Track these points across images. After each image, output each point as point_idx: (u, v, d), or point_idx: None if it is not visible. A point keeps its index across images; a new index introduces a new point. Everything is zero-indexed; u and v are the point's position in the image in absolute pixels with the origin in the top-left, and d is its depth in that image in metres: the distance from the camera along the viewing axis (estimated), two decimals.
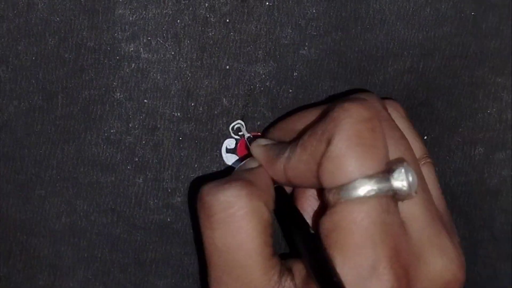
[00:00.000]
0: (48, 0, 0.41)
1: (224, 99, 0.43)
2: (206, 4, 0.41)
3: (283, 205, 0.38)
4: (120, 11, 0.41)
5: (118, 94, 0.42)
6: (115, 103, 0.42)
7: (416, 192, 0.35)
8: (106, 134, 0.43)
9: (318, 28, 0.42)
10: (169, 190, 0.44)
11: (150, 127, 0.43)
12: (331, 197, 0.34)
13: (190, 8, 0.41)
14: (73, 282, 0.45)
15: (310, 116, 0.38)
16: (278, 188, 0.38)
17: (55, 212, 0.44)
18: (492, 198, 0.46)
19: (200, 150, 0.43)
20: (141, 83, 0.42)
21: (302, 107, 0.42)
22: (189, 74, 0.42)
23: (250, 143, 0.42)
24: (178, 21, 0.41)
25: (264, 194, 0.36)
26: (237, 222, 0.35)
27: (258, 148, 0.39)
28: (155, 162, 0.43)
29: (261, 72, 0.42)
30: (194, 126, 0.43)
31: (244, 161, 0.40)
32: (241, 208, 0.35)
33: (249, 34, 0.42)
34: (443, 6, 0.42)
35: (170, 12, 0.41)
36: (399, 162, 0.35)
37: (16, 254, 0.45)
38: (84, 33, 0.41)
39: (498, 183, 0.46)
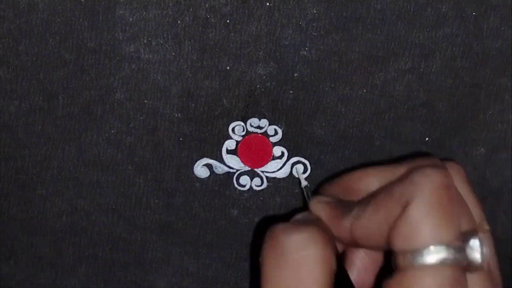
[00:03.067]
0: (48, 1, 0.41)
1: (225, 100, 0.43)
2: (207, 5, 0.41)
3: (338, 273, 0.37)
4: (120, 12, 0.41)
5: (119, 94, 0.42)
6: (115, 104, 0.42)
7: (486, 265, 0.34)
8: (106, 135, 0.43)
9: (318, 29, 0.42)
10: (169, 190, 0.44)
11: (150, 127, 0.43)
12: (402, 260, 0.33)
13: (191, 9, 0.41)
14: (74, 281, 0.45)
15: (372, 176, 0.38)
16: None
17: (56, 211, 0.44)
18: (494, 199, 0.46)
19: (200, 151, 0.43)
20: (142, 84, 0.42)
21: (359, 165, 0.42)
22: (190, 75, 0.42)
23: (307, 193, 0.42)
24: (179, 21, 0.41)
25: (333, 245, 0.36)
26: (309, 266, 0.34)
27: (320, 205, 0.38)
28: (156, 162, 0.43)
29: (262, 73, 0.42)
30: (194, 126, 0.43)
31: (301, 214, 0.39)
32: (315, 253, 0.34)
33: (249, 35, 0.42)
34: (444, 7, 0.42)
35: (171, 12, 0.41)
36: (473, 233, 0.34)
37: (17, 253, 0.45)
38: (85, 33, 0.41)
39: (499, 184, 0.46)
